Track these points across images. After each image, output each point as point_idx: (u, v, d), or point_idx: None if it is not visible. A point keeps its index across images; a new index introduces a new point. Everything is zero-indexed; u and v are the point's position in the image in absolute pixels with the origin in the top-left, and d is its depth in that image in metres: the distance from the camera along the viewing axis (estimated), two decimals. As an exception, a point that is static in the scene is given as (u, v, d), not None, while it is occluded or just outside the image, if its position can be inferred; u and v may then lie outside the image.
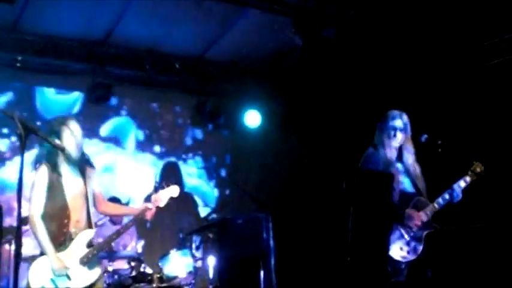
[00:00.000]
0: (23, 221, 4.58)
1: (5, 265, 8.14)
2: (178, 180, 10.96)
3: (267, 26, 9.39)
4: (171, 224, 10.40)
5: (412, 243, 5.82)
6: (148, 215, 5.88)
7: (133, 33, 9.58)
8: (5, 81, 9.63)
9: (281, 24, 8.87)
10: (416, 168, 6.08)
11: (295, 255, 10.24)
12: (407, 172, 6.06)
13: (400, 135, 6.04)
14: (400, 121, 6.04)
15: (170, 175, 10.86)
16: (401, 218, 5.83)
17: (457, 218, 7.34)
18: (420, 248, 5.82)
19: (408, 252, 5.82)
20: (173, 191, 6.09)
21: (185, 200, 10.87)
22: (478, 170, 5.96)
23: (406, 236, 5.84)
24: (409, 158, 6.09)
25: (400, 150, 6.10)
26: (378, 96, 10.56)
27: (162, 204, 6.00)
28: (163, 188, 6.06)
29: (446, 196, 5.93)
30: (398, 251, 5.81)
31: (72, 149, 5.57)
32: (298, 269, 10.09)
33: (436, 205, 5.90)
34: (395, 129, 6.03)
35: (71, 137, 5.61)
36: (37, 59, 9.52)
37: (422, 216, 5.86)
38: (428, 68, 10.04)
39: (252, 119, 11.25)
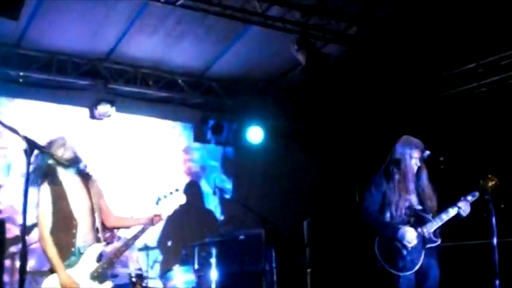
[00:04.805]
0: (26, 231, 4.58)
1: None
2: (199, 199, 11.10)
3: (269, 42, 9.45)
4: (174, 239, 10.40)
5: (409, 258, 6.01)
6: (156, 221, 5.83)
7: (136, 50, 9.63)
8: (9, 97, 9.68)
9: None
10: (428, 187, 6.22)
11: (297, 272, 10.22)
12: (417, 191, 6.29)
13: (418, 164, 6.28)
14: (420, 152, 6.22)
15: (191, 192, 10.99)
16: (396, 236, 6.05)
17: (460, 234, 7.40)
18: (418, 262, 6.00)
19: (405, 267, 6.04)
20: (180, 198, 5.96)
21: (189, 215, 10.85)
22: (490, 184, 6.02)
23: (403, 251, 6.05)
24: (424, 178, 6.30)
25: (418, 171, 6.32)
26: (382, 113, 10.62)
27: (170, 212, 5.91)
28: (169, 195, 5.99)
29: (450, 211, 6.06)
30: (396, 265, 6.04)
31: (65, 157, 5.60)
32: (301, 285, 10.08)
33: (438, 220, 6.06)
34: (416, 160, 6.28)
35: (61, 147, 5.66)
36: (41, 75, 9.57)
37: (423, 232, 6.04)
38: (431, 86, 10.10)
39: (255, 135, 11.28)
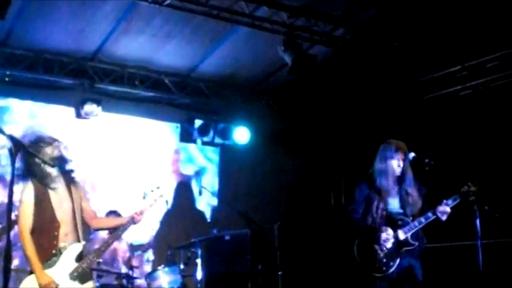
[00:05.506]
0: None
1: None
2: (188, 199, 11.12)
3: (256, 43, 9.46)
4: (162, 239, 10.38)
5: (385, 260, 6.10)
6: (138, 220, 5.84)
7: (123, 49, 9.61)
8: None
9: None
10: (414, 190, 6.26)
11: (282, 271, 10.24)
12: (400, 194, 6.32)
13: (401, 166, 6.28)
14: (402, 154, 6.25)
15: (180, 195, 11.00)
16: (375, 237, 6.17)
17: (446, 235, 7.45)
18: (394, 264, 6.09)
19: (381, 268, 6.16)
20: (162, 191, 5.99)
21: (176, 216, 10.83)
22: (471, 189, 6.06)
23: (379, 253, 6.16)
24: (408, 181, 6.32)
25: (402, 173, 6.33)
26: (368, 115, 10.65)
27: (155, 204, 5.94)
28: (150, 192, 6.00)
29: (430, 215, 6.12)
30: (372, 267, 6.19)
31: (52, 156, 5.59)
32: (287, 285, 10.10)
33: (417, 224, 6.13)
34: (398, 162, 6.30)
35: (50, 145, 5.64)
36: (27, 73, 9.53)
37: (400, 235, 6.14)
38: (416, 88, 10.14)
39: (241, 135, 11.30)
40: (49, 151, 5.62)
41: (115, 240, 5.97)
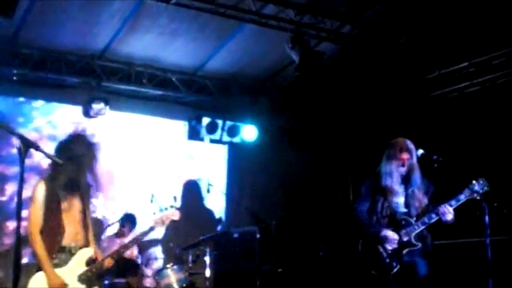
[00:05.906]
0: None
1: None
2: (197, 198, 11.10)
3: (263, 41, 9.46)
4: (170, 237, 10.39)
5: (388, 260, 6.08)
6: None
7: (130, 48, 9.63)
8: (4, 95, 9.67)
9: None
10: (420, 189, 6.24)
11: (291, 269, 10.25)
12: (406, 192, 6.31)
13: (406, 166, 6.26)
14: (407, 153, 6.22)
15: (189, 193, 11.01)
16: (378, 238, 6.17)
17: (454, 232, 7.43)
18: (397, 264, 6.11)
19: (385, 268, 6.15)
20: (175, 214, 6.02)
21: (186, 214, 10.81)
22: (476, 188, 6.01)
23: (382, 253, 6.18)
24: (415, 179, 6.29)
25: (408, 173, 6.30)
26: (375, 111, 10.64)
27: (162, 227, 6.01)
28: (165, 210, 6.01)
29: (433, 215, 6.08)
30: (376, 266, 6.19)
31: (77, 170, 5.58)
32: (294, 284, 10.11)
33: (420, 225, 6.11)
34: (402, 162, 6.25)
35: (79, 158, 5.62)
36: (35, 72, 9.55)
37: (403, 236, 6.11)
38: (423, 85, 10.12)
39: (249, 133, 11.31)
40: (73, 149, 5.62)
41: (126, 251, 5.98)
